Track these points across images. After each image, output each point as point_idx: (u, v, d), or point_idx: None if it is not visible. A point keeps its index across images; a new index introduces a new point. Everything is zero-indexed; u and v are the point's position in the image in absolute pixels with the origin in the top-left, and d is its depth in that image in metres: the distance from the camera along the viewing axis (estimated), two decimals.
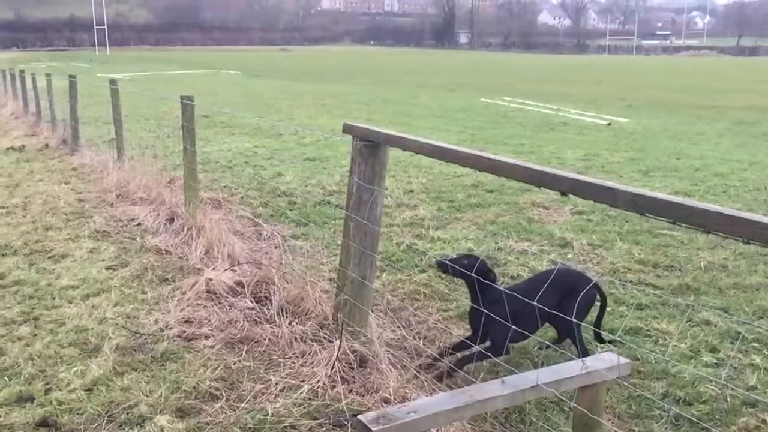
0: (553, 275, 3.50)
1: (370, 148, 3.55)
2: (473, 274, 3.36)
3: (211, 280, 4.70)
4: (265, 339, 3.95)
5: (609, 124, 15.96)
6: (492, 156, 2.84)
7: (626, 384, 3.45)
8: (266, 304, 4.33)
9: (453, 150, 3.01)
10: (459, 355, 3.59)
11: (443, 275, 4.61)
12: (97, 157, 9.78)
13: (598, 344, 3.79)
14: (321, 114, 17.82)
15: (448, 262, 3.53)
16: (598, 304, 3.77)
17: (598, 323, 3.73)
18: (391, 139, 3.43)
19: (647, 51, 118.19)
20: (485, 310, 3.31)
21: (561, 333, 3.79)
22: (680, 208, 2.01)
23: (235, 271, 4.83)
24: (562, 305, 3.35)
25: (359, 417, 2.35)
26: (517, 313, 3.33)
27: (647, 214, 2.12)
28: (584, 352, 3.51)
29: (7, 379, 3.58)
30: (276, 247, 5.61)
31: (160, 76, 36.47)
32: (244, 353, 3.83)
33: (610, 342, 3.90)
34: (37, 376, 3.61)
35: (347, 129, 3.66)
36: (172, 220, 6.43)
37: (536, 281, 3.64)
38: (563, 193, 2.44)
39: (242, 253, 5.29)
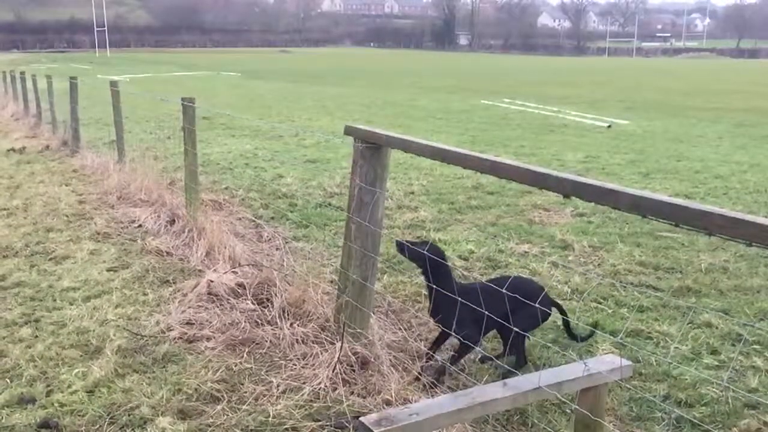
0: (508, 282, 3.43)
1: (372, 150, 3.56)
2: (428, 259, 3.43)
3: (212, 281, 4.70)
4: (266, 341, 3.95)
5: (609, 126, 15.97)
6: (494, 158, 2.84)
7: (628, 386, 3.45)
8: (267, 305, 4.33)
9: (455, 152, 3.01)
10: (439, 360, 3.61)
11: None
12: (97, 158, 9.79)
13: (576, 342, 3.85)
14: (321, 116, 17.83)
15: (405, 244, 3.59)
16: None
17: (568, 330, 3.81)
18: (392, 141, 3.44)
19: (647, 53, 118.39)
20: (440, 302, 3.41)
21: (505, 340, 3.68)
22: (683, 211, 2.01)
23: (236, 272, 4.83)
24: (512, 312, 3.33)
25: (361, 419, 2.34)
26: (471, 309, 3.35)
27: (649, 217, 2.12)
28: (523, 361, 3.59)
29: (8, 380, 3.58)
30: (277, 249, 5.62)
31: (161, 78, 36.50)
32: (245, 355, 3.83)
33: (583, 339, 3.87)
34: (39, 377, 3.61)
35: (349, 131, 3.66)
36: (173, 222, 6.43)
37: (490, 283, 3.64)
38: (566, 196, 2.44)
39: (243, 255, 5.29)
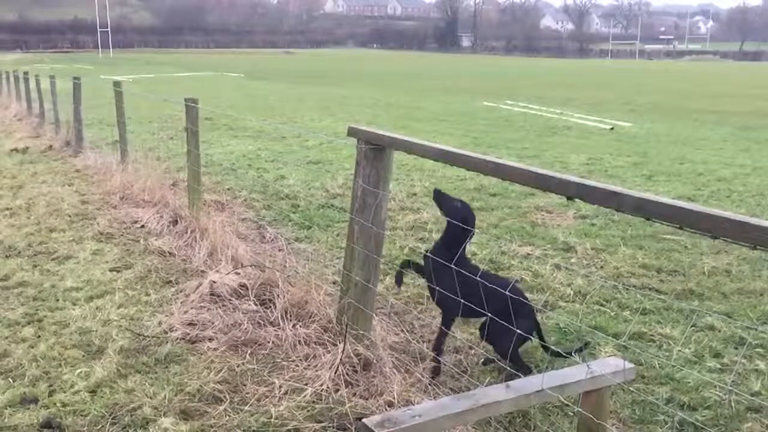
0: (510, 286, 3.33)
1: (375, 152, 3.55)
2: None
3: (214, 282, 4.70)
4: (268, 342, 3.95)
5: (612, 129, 15.95)
6: (497, 160, 2.84)
7: (630, 389, 3.44)
8: (270, 306, 4.33)
9: (458, 153, 3.01)
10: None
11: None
12: (100, 159, 9.80)
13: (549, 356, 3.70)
14: (324, 117, 17.84)
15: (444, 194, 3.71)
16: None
17: (541, 338, 3.68)
18: (395, 143, 3.43)
19: (650, 55, 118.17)
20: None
21: (496, 348, 3.62)
22: (687, 213, 2.01)
23: (239, 273, 4.83)
24: (497, 313, 3.26)
25: (364, 420, 2.34)
26: (465, 290, 3.31)
27: (653, 219, 2.11)
28: (525, 370, 3.48)
29: (11, 380, 3.59)
30: (279, 250, 5.62)
31: (164, 79, 36.55)
32: (247, 356, 3.83)
33: (563, 355, 3.60)
34: (41, 377, 3.62)
35: (352, 132, 3.66)
36: (175, 222, 6.44)
37: (489, 276, 3.62)
38: (569, 198, 2.43)
39: (246, 256, 5.29)
